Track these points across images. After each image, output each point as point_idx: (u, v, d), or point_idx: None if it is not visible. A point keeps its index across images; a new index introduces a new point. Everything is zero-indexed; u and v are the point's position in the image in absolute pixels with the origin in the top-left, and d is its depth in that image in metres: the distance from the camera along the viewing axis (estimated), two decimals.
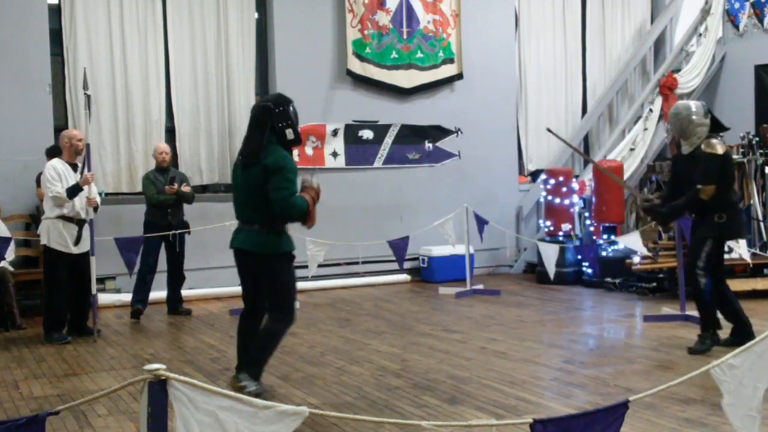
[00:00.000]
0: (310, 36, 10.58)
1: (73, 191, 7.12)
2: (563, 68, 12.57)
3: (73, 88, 9.43)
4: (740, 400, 2.99)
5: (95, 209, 7.39)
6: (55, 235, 7.21)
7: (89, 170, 7.26)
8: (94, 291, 7.38)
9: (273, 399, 5.08)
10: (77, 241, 7.28)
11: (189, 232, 8.66)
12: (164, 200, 8.42)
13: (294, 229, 10.26)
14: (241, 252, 5.24)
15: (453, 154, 11.45)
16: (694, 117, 6.21)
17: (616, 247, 9.75)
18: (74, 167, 7.28)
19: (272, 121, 5.12)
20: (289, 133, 5.12)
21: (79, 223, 7.27)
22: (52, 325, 7.29)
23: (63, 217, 7.21)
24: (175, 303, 8.62)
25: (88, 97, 7.51)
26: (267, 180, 5.00)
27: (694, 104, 6.35)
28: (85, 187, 7.22)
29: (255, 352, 5.21)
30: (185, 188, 8.56)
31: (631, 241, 8.15)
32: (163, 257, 8.57)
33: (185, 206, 8.70)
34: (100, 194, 9.41)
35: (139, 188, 9.09)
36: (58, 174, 7.14)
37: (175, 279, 8.62)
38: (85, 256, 7.34)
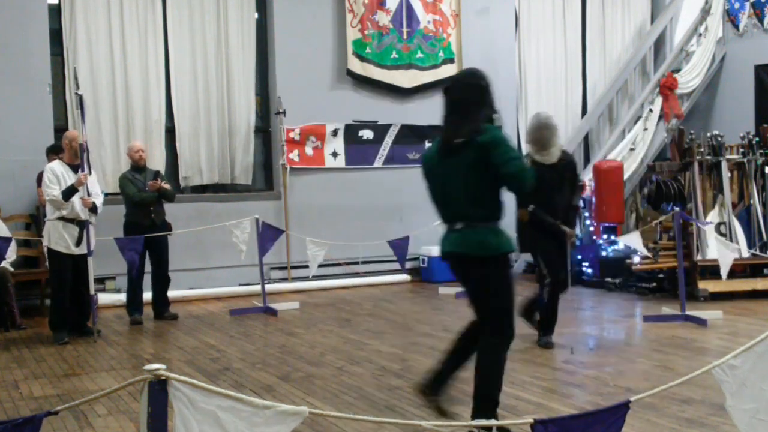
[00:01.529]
0: (311, 36, 10.58)
1: (69, 193, 7.12)
2: (563, 68, 12.57)
3: (74, 88, 9.41)
4: (744, 402, 2.97)
5: (92, 210, 7.35)
6: (56, 237, 7.23)
7: (83, 171, 7.18)
8: (92, 291, 7.36)
9: (273, 399, 5.08)
10: (78, 242, 7.28)
11: (171, 234, 8.43)
12: (147, 197, 8.19)
13: (293, 229, 10.27)
14: (455, 256, 4.38)
15: None
16: (555, 127, 6.51)
17: (616, 247, 9.75)
18: (75, 169, 7.26)
19: (486, 98, 4.39)
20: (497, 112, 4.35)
21: (80, 224, 7.26)
22: (57, 325, 7.30)
23: (63, 219, 7.22)
24: (161, 307, 8.41)
25: (80, 97, 7.47)
26: (487, 160, 4.14)
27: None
28: (81, 188, 7.20)
29: (483, 389, 4.25)
30: (165, 185, 8.32)
31: (631, 241, 8.15)
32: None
33: (170, 206, 8.52)
34: (106, 193, 9.48)
35: None
36: (56, 176, 7.14)
37: (160, 281, 8.40)
38: (85, 257, 7.34)
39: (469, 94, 4.39)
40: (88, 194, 7.29)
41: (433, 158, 4.41)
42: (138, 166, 8.35)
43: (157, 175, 8.35)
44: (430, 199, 4.48)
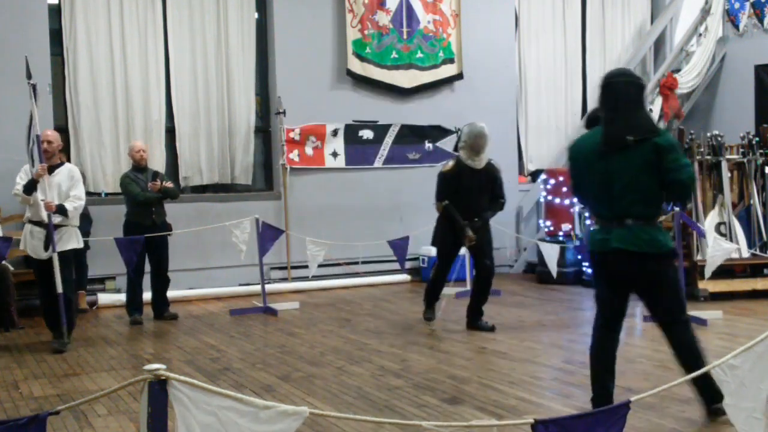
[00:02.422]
0: (310, 36, 10.58)
1: (29, 187, 6.80)
2: (563, 68, 12.57)
3: (73, 88, 9.44)
4: (742, 401, 2.98)
5: (60, 212, 6.77)
6: (24, 240, 7.01)
7: (42, 162, 6.83)
8: (60, 290, 6.82)
9: (273, 399, 5.08)
10: (46, 247, 6.83)
11: (171, 234, 8.41)
12: (151, 197, 8.18)
13: (293, 229, 10.28)
14: (626, 253, 4.32)
15: (453, 154, 11.42)
16: (488, 138, 7.28)
17: None
18: (52, 169, 6.91)
19: (644, 97, 4.52)
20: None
21: (47, 227, 6.81)
22: (51, 327, 7.11)
23: (31, 222, 6.96)
24: (160, 307, 8.40)
25: (33, 86, 7.09)
26: (659, 161, 4.19)
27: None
28: (49, 190, 6.80)
29: (703, 380, 4.16)
30: (168, 184, 8.31)
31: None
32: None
33: (172, 206, 8.52)
34: (99, 194, 9.50)
35: None
36: (26, 174, 6.92)
37: (159, 281, 8.40)
38: (62, 260, 6.86)
39: (631, 91, 4.42)
40: (63, 194, 6.86)
41: (592, 153, 4.40)
42: (139, 166, 8.34)
43: (156, 175, 8.31)
44: (579, 190, 4.55)
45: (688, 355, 4.44)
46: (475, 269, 7.61)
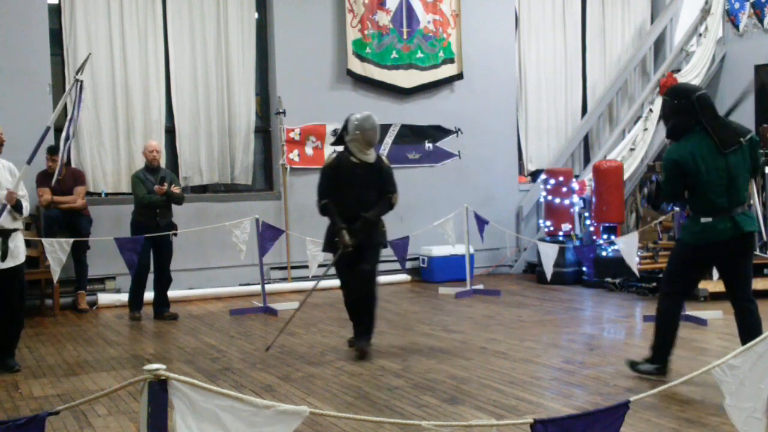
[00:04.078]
0: (311, 36, 10.58)
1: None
2: (563, 68, 12.57)
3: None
4: (742, 401, 2.98)
5: (16, 209, 5.97)
6: None
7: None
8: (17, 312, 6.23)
9: (273, 399, 5.08)
10: (4, 256, 5.93)
11: (176, 234, 8.47)
12: (155, 200, 8.24)
13: (293, 229, 10.27)
14: (751, 234, 5.30)
15: (453, 154, 11.46)
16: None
17: (616, 247, 9.74)
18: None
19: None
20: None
21: (3, 233, 5.96)
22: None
23: None
24: (160, 307, 8.44)
25: (80, 83, 6.40)
26: (752, 154, 5.25)
27: None
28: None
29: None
30: (175, 189, 8.39)
31: (628, 244, 8.12)
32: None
33: (175, 207, 8.55)
34: (99, 194, 9.50)
35: None
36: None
37: (162, 280, 8.44)
38: (14, 272, 6.03)
39: (713, 102, 5.47)
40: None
41: (710, 154, 5.16)
42: (152, 166, 8.42)
43: (162, 179, 8.31)
44: (699, 187, 5.15)
45: (757, 333, 4.91)
46: (356, 274, 6.48)
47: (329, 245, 6.57)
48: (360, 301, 6.48)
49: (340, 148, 6.71)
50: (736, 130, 5.28)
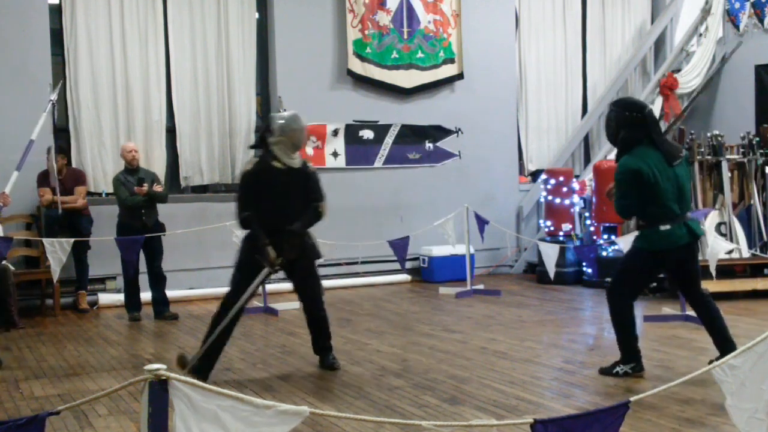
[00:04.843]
0: (311, 36, 10.58)
1: None
2: (563, 68, 12.57)
3: (74, 88, 9.43)
4: (743, 401, 2.98)
5: None
6: None
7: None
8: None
9: (273, 399, 5.08)
10: None
11: (164, 234, 8.44)
12: (137, 202, 8.24)
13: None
14: (696, 240, 5.58)
15: (453, 154, 11.46)
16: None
17: (616, 247, 9.74)
18: None
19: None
20: None
21: None
22: None
23: None
24: (160, 307, 8.44)
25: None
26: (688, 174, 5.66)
27: None
28: None
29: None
30: (158, 188, 8.39)
31: (629, 244, 8.10)
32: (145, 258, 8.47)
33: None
34: (100, 194, 9.50)
35: None
36: None
37: (156, 280, 8.44)
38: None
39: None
40: None
41: (661, 164, 5.40)
42: (131, 167, 8.40)
43: (142, 180, 8.28)
44: (657, 196, 5.38)
45: (719, 318, 5.62)
46: (298, 295, 6.15)
47: (248, 263, 5.76)
48: (314, 321, 6.05)
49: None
50: (676, 146, 5.77)
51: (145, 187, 8.23)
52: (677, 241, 5.42)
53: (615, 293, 5.68)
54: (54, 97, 7.62)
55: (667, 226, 5.40)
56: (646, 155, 5.38)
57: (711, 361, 5.44)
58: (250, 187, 5.77)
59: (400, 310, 8.66)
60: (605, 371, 5.67)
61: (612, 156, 11.60)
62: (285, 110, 10.15)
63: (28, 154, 7.24)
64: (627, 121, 5.44)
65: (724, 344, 5.50)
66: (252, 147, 6.17)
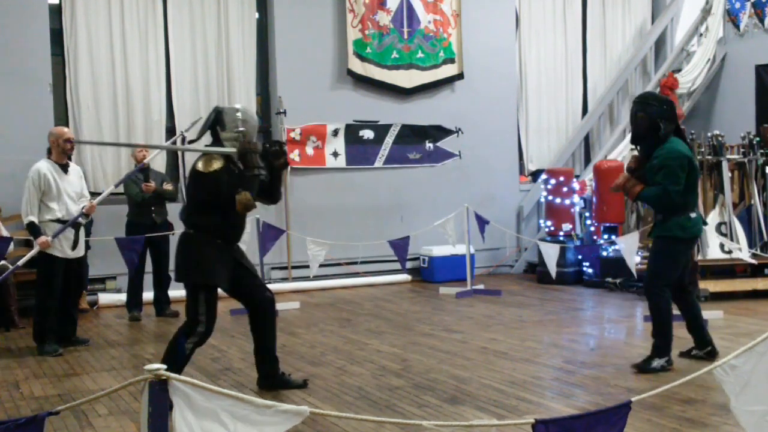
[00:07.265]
0: (311, 36, 10.58)
1: (34, 234, 6.65)
2: (563, 68, 12.57)
3: (74, 88, 9.43)
4: (750, 403, 2.95)
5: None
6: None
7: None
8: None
9: (273, 399, 5.08)
10: (74, 245, 6.83)
11: (173, 233, 8.45)
12: (148, 198, 8.27)
13: (294, 229, 10.25)
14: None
15: (453, 154, 11.45)
16: None
17: (617, 247, 9.74)
18: (64, 168, 6.84)
19: None
20: None
21: (75, 225, 6.81)
22: (46, 335, 6.78)
23: (59, 221, 6.73)
24: (161, 305, 8.51)
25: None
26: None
27: None
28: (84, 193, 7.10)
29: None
30: (167, 186, 8.44)
31: (629, 244, 8.12)
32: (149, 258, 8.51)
33: (170, 206, 8.54)
34: (99, 194, 9.47)
35: None
36: (43, 180, 6.67)
37: (161, 279, 8.50)
38: (80, 260, 7.02)
39: None
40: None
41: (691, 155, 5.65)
42: (141, 166, 8.38)
43: (147, 177, 8.30)
44: (695, 183, 5.66)
45: (700, 313, 5.96)
46: (251, 307, 5.60)
47: (210, 273, 5.28)
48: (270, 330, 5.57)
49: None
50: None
51: (153, 183, 8.26)
52: (701, 229, 5.75)
53: (656, 288, 5.70)
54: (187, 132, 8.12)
55: (694, 214, 5.64)
56: (683, 145, 5.62)
57: (686, 353, 5.99)
58: (218, 190, 5.10)
59: (400, 310, 8.66)
60: (642, 368, 5.67)
61: (612, 156, 11.63)
62: (284, 111, 10.23)
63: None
64: (665, 114, 5.59)
65: (703, 336, 5.92)
66: (195, 141, 5.54)
